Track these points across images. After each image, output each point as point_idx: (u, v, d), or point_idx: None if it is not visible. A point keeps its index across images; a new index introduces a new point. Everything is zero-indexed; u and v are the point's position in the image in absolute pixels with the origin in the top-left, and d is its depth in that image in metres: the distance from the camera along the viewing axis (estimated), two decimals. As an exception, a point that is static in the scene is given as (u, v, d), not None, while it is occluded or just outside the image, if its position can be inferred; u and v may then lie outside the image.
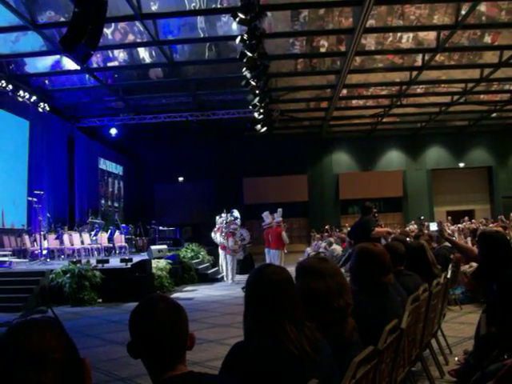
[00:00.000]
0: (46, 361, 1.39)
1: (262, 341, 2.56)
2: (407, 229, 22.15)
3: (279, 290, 2.66)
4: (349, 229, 14.78)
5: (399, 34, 19.08)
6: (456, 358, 6.33)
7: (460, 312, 10.10)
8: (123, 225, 24.86)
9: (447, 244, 9.87)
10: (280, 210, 18.26)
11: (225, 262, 18.86)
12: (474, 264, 9.44)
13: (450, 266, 7.55)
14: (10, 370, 1.35)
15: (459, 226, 17.79)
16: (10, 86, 19.60)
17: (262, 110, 23.16)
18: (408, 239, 10.91)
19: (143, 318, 2.12)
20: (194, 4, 16.54)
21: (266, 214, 18.46)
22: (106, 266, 15.14)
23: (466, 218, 21.52)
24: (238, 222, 20.00)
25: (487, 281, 4.98)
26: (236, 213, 20.08)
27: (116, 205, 31.61)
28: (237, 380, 2.27)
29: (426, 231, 17.55)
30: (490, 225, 18.53)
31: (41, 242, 17.88)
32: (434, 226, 20.34)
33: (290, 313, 2.59)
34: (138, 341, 2.11)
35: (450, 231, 15.39)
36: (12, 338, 1.43)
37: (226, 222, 19.01)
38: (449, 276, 6.62)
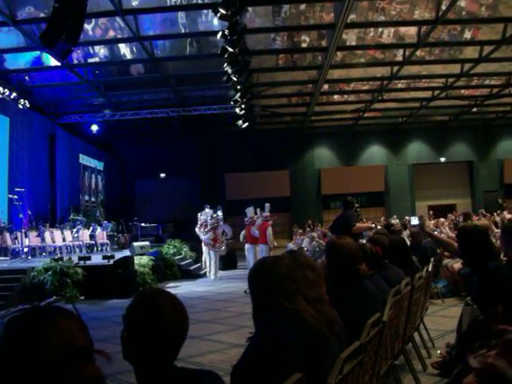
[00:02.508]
0: (88, 353, 1.43)
1: (280, 313, 2.66)
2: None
3: (285, 273, 2.80)
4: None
5: (380, 29, 19.12)
6: (438, 351, 6.38)
7: (442, 305, 10.17)
8: (105, 221, 24.78)
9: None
10: (268, 204, 18.25)
11: (208, 257, 18.85)
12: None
13: (432, 259, 7.60)
14: (48, 362, 1.35)
15: (441, 219, 17.88)
16: (-10, 83, 19.46)
17: (243, 106, 23.13)
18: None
19: (151, 316, 2.10)
20: (174, 0, 16.50)
21: (249, 210, 18.46)
22: (88, 263, 15.09)
23: (449, 215, 21.65)
24: (220, 217, 20.05)
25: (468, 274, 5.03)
26: (219, 212, 20.22)
27: (98, 201, 31.44)
28: (217, 374, 2.27)
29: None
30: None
31: (22, 239, 17.74)
32: (414, 221, 20.39)
33: (300, 291, 2.75)
34: (141, 339, 2.09)
35: (432, 225, 15.46)
36: (45, 327, 1.43)
37: (211, 218, 19.04)
38: (430, 269, 6.66)
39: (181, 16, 17.75)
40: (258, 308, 2.86)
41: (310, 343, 2.52)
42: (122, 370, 6.53)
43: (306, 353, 2.48)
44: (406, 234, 16.14)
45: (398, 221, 24.63)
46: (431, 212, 27.32)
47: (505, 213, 19.81)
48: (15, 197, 17.91)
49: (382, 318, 3.50)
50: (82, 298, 13.96)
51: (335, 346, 2.75)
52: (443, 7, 17.01)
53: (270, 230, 17.45)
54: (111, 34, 18.52)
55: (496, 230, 13.55)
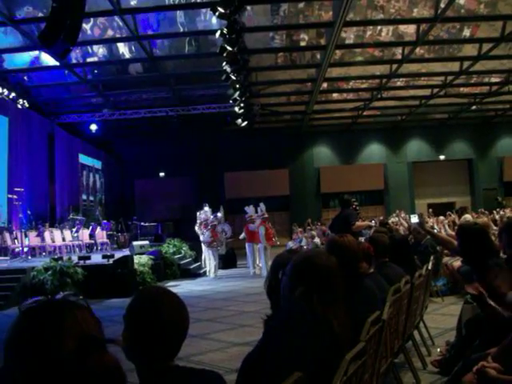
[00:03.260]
0: (104, 343, 1.46)
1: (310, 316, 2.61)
2: (390, 221, 22.23)
3: (334, 272, 2.82)
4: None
5: (379, 28, 19.12)
6: (438, 349, 6.38)
7: (442, 303, 10.18)
8: (104, 221, 24.77)
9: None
10: (262, 204, 18.30)
11: (207, 256, 18.87)
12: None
13: (432, 257, 7.59)
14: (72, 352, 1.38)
15: (441, 217, 17.84)
16: (-12, 83, 19.45)
17: (242, 105, 23.15)
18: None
19: (151, 315, 2.10)
20: (173, -1, 16.52)
21: (249, 208, 18.50)
22: (88, 262, 15.10)
23: (449, 212, 21.60)
24: (219, 215, 20.06)
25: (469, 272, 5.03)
26: (219, 214, 20.24)
27: (97, 201, 31.43)
28: (219, 374, 2.26)
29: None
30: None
31: (22, 239, 17.75)
32: (414, 219, 20.34)
33: (338, 298, 2.73)
34: (142, 338, 2.09)
35: (431, 223, 15.46)
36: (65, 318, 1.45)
37: (212, 218, 19.11)
38: (430, 267, 6.66)
39: (179, 15, 17.75)
40: (280, 289, 2.88)
41: (325, 345, 2.50)
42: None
43: (320, 355, 2.46)
44: (402, 229, 16.03)
45: (396, 219, 24.61)
46: (431, 210, 27.30)
47: (507, 211, 19.72)
48: (15, 197, 17.93)
49: (381, 316, 3.50)
50: (82, 297, 13.96)
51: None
52: (442, 5, 17.00)
53: (262, 230, 17.51)
54: (110, 33, 18.51)
55: (495, 228, 13.53)
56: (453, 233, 10.98)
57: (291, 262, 2.91)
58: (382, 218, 24.02)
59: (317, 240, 18.75)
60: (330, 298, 2.67)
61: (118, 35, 18.68)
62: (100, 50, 20.20)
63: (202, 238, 18.97)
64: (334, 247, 4.00)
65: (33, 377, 1.37)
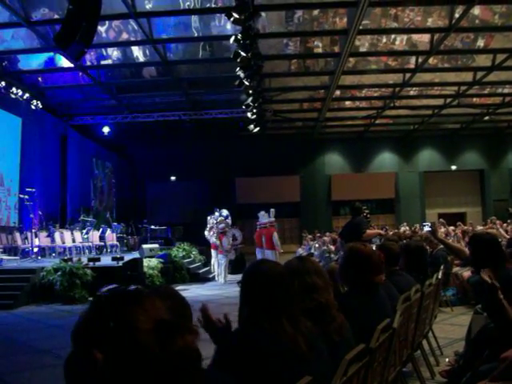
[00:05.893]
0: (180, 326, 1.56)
1: (258, 334, 2.54)
2: (401, 230, 22.19)
3: (276, 285, 2.67)
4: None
5: (393, 36, 19.11)
6: (447, 359, 6.35)
7: (451, 314, 10.14)
8: (115, 223, 24.83)
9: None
10: (273, 210, 18.30)
11: (217, 261, 18.90)
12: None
13: (442, 267, 7.58)
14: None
15: (451, 227, 17.82)
16: (3, 83, 19.51)
17: (255, 110, 23.17)
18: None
19: None
20: (188, 3, 16.51)
21: (262, 214, 18.50)
22: (98, 264, 15.13)
23: (459, 223, 21.50)
24: (229, 220, 20.01)
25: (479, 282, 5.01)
26: (225, 212, 20.06)
27: (108, 203, 31.50)
28: (231, 378, 2.24)
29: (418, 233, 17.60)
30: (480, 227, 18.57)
31: (32, 239, 17.83)
32: (427, 227, 20.26)
33: (286, 309, 2.61)
34: None
35: (443, 232, 15.41)
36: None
37: (217, 222, 19.02)
38: (440, 277, 6.64)
39: (194, 20, 17.78)
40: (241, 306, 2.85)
41: (285, 360, 2.47)
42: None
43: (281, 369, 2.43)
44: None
45: (407, 228, 24.55)
46: (441, 220, 27.26)
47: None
48: (26, 197, 18.00)
49: (392, 324, 3.50)
50: (91, 298, 13.94)
51: (343, 351, 2.75)
52: (456, 15, 16.97)
53: (275, 237, 17.48)
54: (124, 36, 18.57)
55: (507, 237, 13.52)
56: (462, 242, 10.95)
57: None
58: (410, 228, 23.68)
59: (329, 247, 18.66)
60: (280, 312, 2.61)
61: (132, 38, 18.73)
62: (114, 53, 20.27)
63: (211, 241, 18.96)
64: (356, 257, 3.98)
65: (113, 358, 1.43)
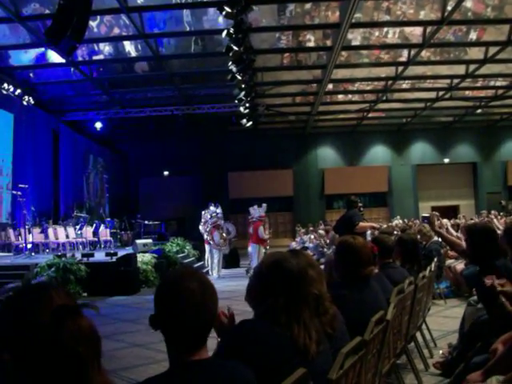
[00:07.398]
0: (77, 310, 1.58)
1: (272, 327, 2.56)
2: (393, 223, 22.26)
3: (300, 281, 2.74)
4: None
5: (385, 30, 19.12)
6: (440, 351, 6.37)
7: (444, 306, 10.16)
8: (108, 219, 24.80)
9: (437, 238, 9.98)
10: (264, 205, 18.29)
11: (210, 256, 18.88)
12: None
13: (435, 259, 7.59)
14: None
15: (445, 220, 17.87)
16: (-6, 79, 19.46)
17: (247, 105, 23.17)
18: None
19: (172, 295, 2.05)
20: (179, -3, 16.53)
21: (252, 208, 18.49)
22: (91, 259, 15.08)
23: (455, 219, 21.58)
24: (220, 215, 19.98)
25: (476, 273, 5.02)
26: (217, 209, 20.05)
27: (101, 199, 31.45)
28: (249, 369, 2.15)
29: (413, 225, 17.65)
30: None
31: (25, 235, 17.75)
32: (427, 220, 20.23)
33: (303, 307, 2.67)
34: (162, 317, 2.05)
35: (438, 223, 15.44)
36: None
37: (211, 217, 19.01)
38: (433, 269, 6.65)
39: (186, 14, 17.75)
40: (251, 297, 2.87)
41: (288, 357, 2.47)
42: (123, 367, 6.55)
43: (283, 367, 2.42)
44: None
45: (400, 221, 24.61)
46: (434, 212, 27.38)
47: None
48: (19, 193, 17.91)
49: (385, 316, 3.50)
50: (85, 294, 13.95)
51: (338, 343, 2.75)
52: (449, 8, 17.00)
53: (261, 229, 17.54)
54: (116, 31, 18.52)
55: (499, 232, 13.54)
56: (457, 234, 10.95)
57: (261, 264, 2.91)
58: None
59: (322, 242, 18.64)
60: (299, 307, 2.64)
61: (124, 33, 18.68)
62: (106, 48, 20.20)
63: (205, 236, 18.95)
64: (347, 249, 3.99)
65: (17, 343, 1.47)
